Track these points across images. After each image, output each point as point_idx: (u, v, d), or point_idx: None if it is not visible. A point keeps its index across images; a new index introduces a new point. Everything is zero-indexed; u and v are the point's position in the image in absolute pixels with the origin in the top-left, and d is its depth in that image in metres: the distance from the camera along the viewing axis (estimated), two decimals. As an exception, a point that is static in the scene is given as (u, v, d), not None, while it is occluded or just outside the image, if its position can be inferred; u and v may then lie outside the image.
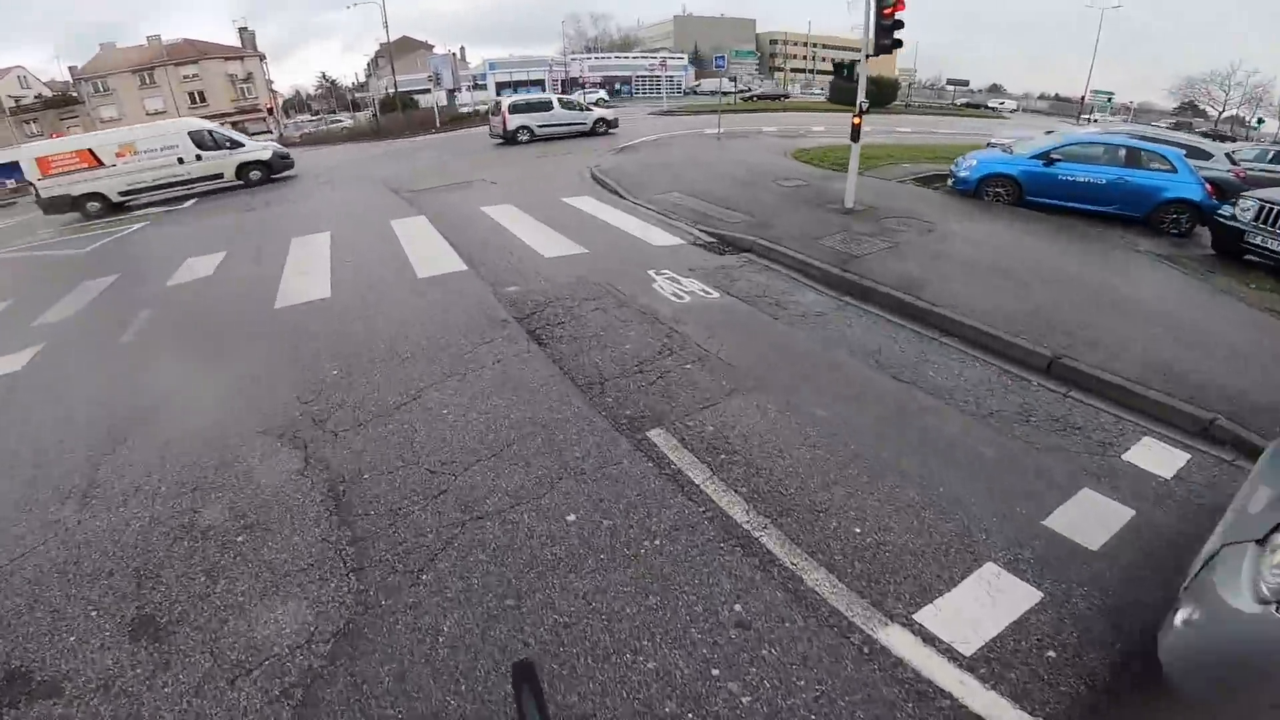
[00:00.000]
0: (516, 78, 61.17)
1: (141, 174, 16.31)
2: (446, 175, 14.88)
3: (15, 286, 9.45)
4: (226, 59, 56.08)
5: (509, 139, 20.78)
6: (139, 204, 16.56)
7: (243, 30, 59.22)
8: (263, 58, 60.78)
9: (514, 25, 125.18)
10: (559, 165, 15.81)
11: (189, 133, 16.86)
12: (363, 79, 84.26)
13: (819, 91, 57.55)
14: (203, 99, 54.70)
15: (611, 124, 22.31)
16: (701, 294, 6.43)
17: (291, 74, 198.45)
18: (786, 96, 52.20)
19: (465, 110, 45.81)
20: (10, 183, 44.96)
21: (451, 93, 48.70)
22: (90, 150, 16.04)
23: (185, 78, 54.25)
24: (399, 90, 41.92)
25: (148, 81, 53.43)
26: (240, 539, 3.31)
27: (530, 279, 6.93)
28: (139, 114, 52.69)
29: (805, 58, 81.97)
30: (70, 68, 53.38)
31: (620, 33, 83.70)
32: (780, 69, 78.08)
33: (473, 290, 6.69)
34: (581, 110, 21.70)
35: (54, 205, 16.05)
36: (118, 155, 16.11)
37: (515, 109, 20.72)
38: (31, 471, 4.09)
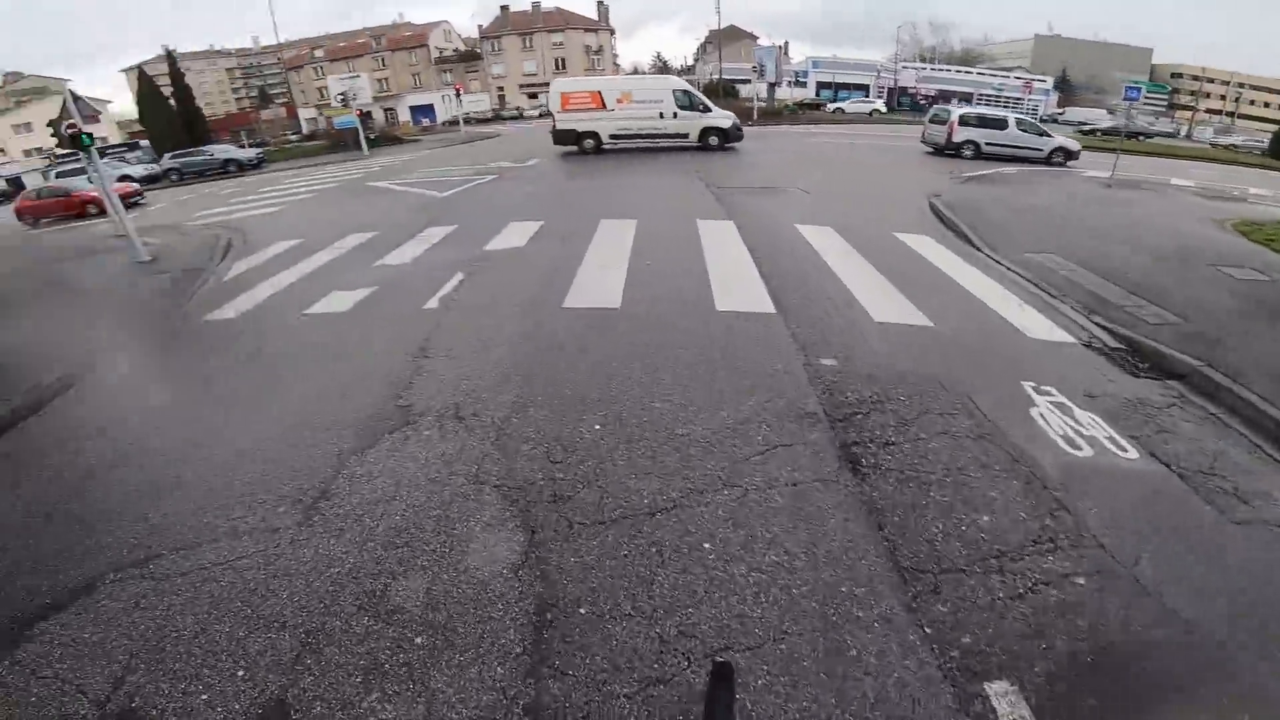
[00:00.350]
0: (840, 79, 58.24)
1: (630, 122, 18.04)
2: (759, 175, 13.91)
3: (388, 219, 11.13)
4: (585, 30, 63.36)
5: (949, 149, 18.45)
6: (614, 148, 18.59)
7: (600, 3, 65.82)
8: (612, 32, 67.46)
9: (842, 25, 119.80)
10: (889, 184, 13.63)
11: (674, 91, 18.21)
12: (690, 62, 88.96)
13: (1245, 141, 43.24)
14: (563, 66, 62.84)
15: (1072, 154, 18.42)
16: (1109, 447, 4.08)
17: (634, 51, 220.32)
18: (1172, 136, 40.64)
19: (784, 105, 44.85)
20: (425, 121, 57.94)
21: (773, 86, 48.07)
22: (599, 93, 18.18)
23: (554, 45, 62.73)
24: (722, 78, 42.79)
25: (527, 46, 62.96)
26: (418, 641, 2.63)
27: (853, 350, 5.31)
28: (517, 75, 62.98)
29: (1223, 97, 64.10)
30: (479, 26, 65.24)
31: (963, 45, 74.47)
32: (1188, 107, 61.32)
33: (778, 348, 5.34)
34: (1040, 135, 18.28)
35: (562, 138, 18.56)
36: (618, 101, 18.01)
37: (965, 121, 18.42)
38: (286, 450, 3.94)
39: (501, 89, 63.20)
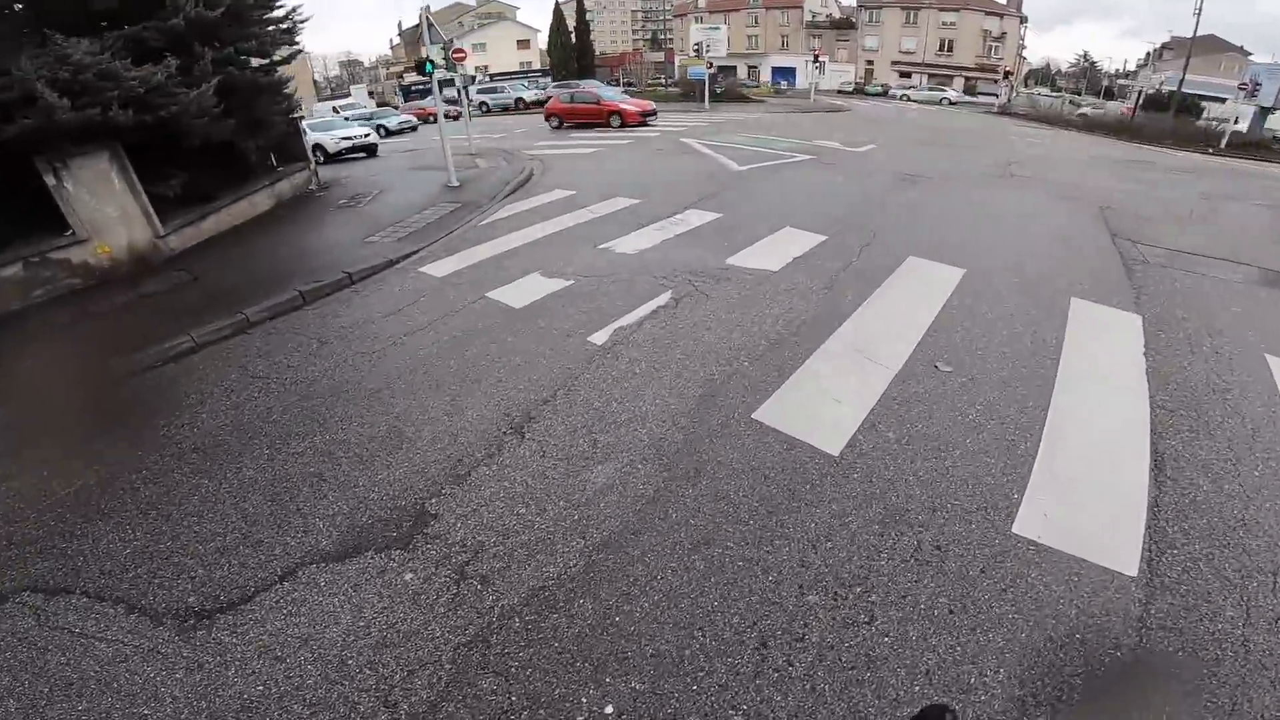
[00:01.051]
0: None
1: None
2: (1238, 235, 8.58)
3: (663, 185, 9.85)
4: (987, 13, 53.34)
5: None
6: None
7: None
8: (1023, 20, 55.71)
9: None
10: None
11: None
12: (1132, 67, 69.29)
13: None
14: (950, 48, 54.45)
15: None
16: None
17: (1048, 46, 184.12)
18: None
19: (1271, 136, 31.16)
20: (783, 84, 56.43)
21: (1264, 112, 33.67)
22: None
23: (943, 24, 54.46)
24: (1181, 91, 31.19)
25: (910, 21, 55.88)
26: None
27: None
28: (893, 50, 56.73)
29: None
30: None
31: None
32: None
33: None
34: None
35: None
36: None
37: None
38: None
39: (871, 63, 57.59)
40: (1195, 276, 6.46)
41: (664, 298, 5.77)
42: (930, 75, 54.01)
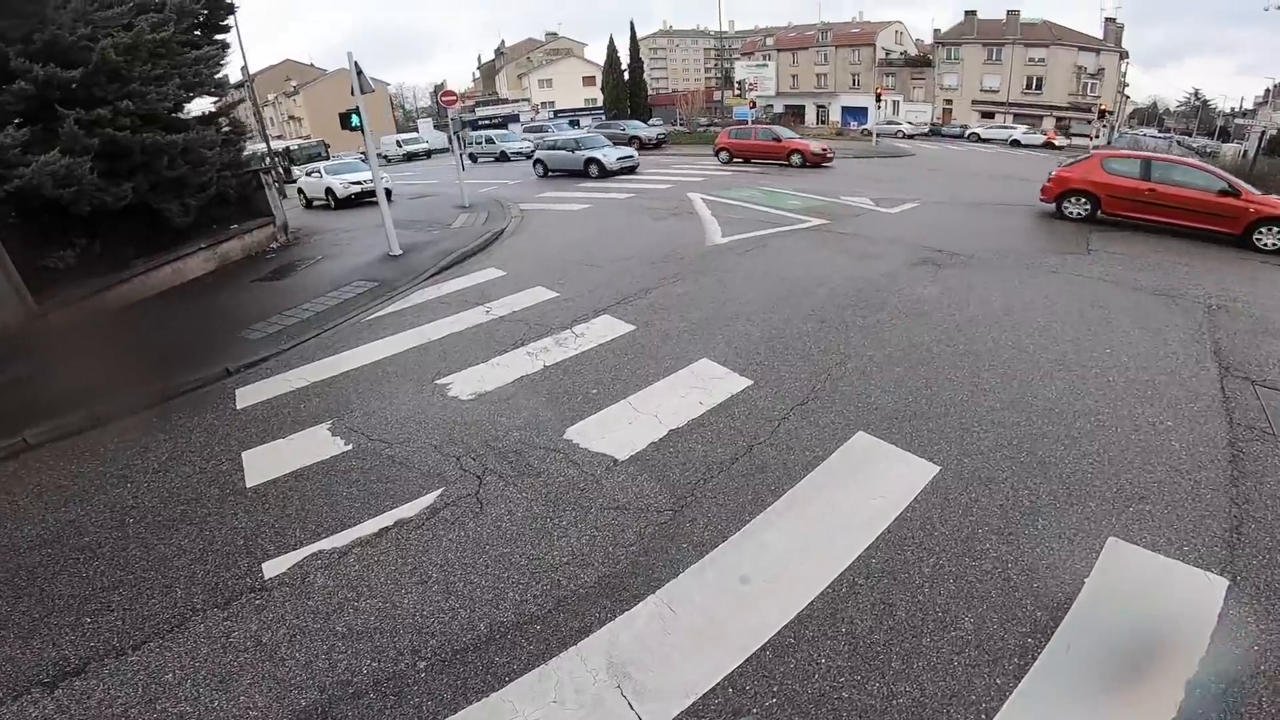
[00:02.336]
0: None
1: None
2: None
3: (608, 271, 7.70)
4: (1080, 49, 48.66)
5: None
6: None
7: (1110, 21, 49.56)
8: (1123, 55, 50.50)
9: None
10: None
11: None
12: (1250, 105, 61.77)
13: None
14: (1038, 86, 50.17)
15: None
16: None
17: (1156, 84, 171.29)
18: None
19: None
20: (854, 125, 53.64)
21: None
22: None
23: (1030, 61, 50.27)
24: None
25: (992, 58, 52.09)
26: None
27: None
28: (973, 88, 52.91)
29: None
30: (935, 30, 56.34)
31: None
32: None
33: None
34: None
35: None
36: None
37: None
38: None
39: (950, 102, 53.88)
40: None
41: (424, 501, 3.89)
42: (1016, 115, 49.86)
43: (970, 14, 54.40)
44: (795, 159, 20.51)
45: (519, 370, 5.57)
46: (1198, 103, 72.85)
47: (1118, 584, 2.99)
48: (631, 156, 20.03)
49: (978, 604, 2.89)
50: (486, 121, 49.73)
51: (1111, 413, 4.48)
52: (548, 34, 76.80)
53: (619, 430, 4.50)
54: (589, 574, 3.21)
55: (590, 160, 19.56)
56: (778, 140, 21.42)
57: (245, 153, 13.32)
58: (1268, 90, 58.57)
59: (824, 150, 21.19)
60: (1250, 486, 3.68)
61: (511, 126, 42.94)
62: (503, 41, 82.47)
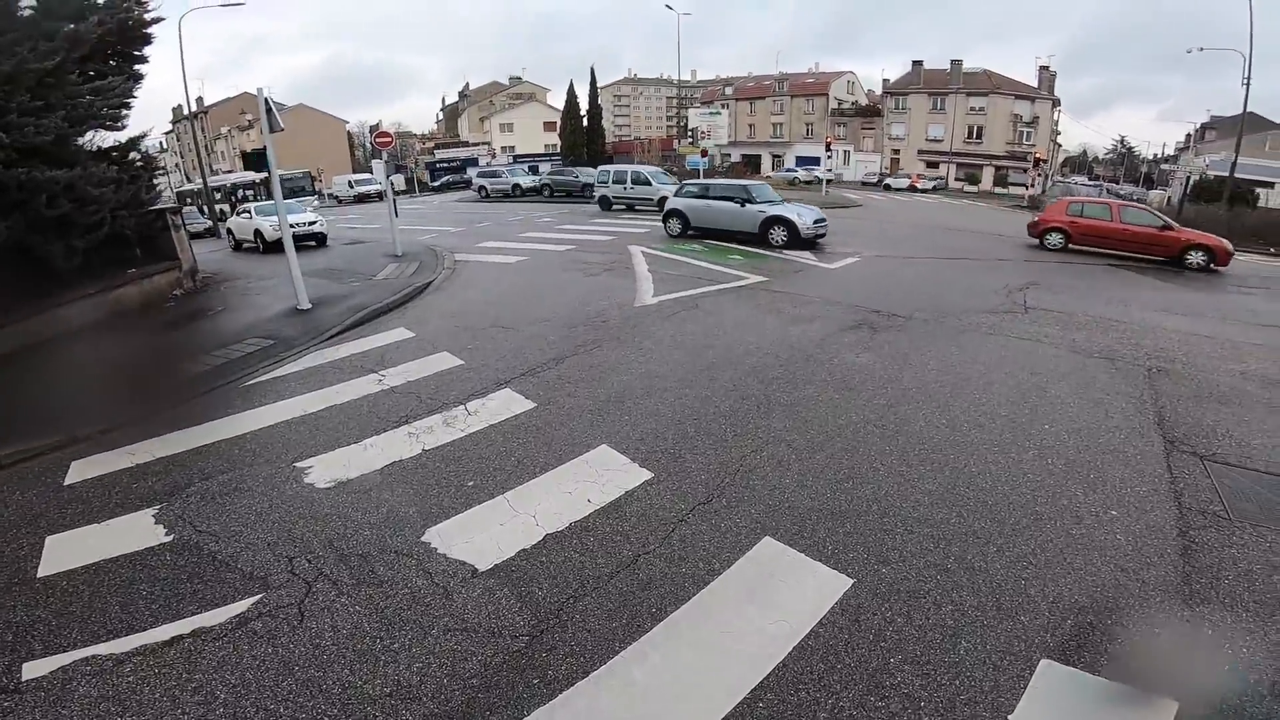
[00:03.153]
0: None
1: None
2: None
3: (513, 338, 7.02)
4: (1017, 97, 51.45)
5: None
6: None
7: (1044, 69, 52.63)
8: (1056, 103, 53.52)
9: None
10: None
11: None
12: (1171, 151, 66.21)
13: None
14: (979, 135, 52.66)
15: None
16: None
17: (1087, 133, 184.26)
18: None
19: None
20: (800, 174, 54.69)
21: (1336, 202, 30.02)
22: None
23: (971, 110, 52.87)
24: (1233, 175, 27.77)
25: (936, 107, 54.55)
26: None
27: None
28: (919, 138, 55.22)
29: None
30: (884, 80, 58.90)
31: None
32: None
33: None
34: None
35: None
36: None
37: None
38: None
39: (897, 152, 56.06)
40: None
41: (235, 608, 3.18)
42: (959, 164, 52.11)
43: (917, 64, 57.12)
44: (1195, 256, 13.20)
45: (393, 454, 4.83)
46: (1124, 150, 77.81)
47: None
48: (825, 221, 14.34)
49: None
50: (445, 164, 49.58)
51: (1050, 503, 4.00)
52: (511, 78, 77.79)
53: (488, 533, 3.81)
54: (413, 711, 2.55)
55: (773, 222, 13.70)
56: (1165, 229, 13.82)
57: (160, 190, 12.49)
58: (1189, 135, 62.44)
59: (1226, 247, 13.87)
60: (1205, 584, 3.25)
61: (469, 170, 42.73)
62: (466, 84, 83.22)
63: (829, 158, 31.49)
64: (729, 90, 68.72)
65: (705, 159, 26.82)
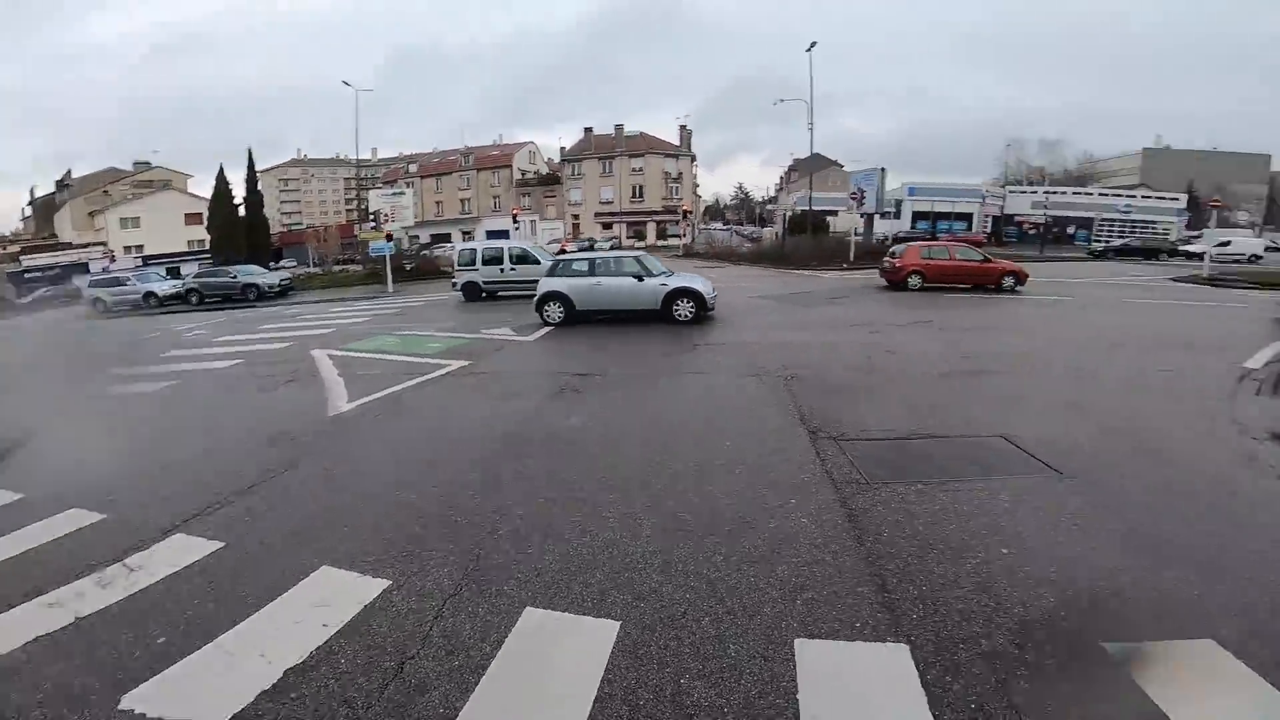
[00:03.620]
0: (939, 208, 52.81)
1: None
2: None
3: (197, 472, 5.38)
4: (665, 155, 61.62)
5: None
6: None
7: (683, 128, 64.09)
8: (693, 158, 65.53)
9: (931, 154, 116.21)
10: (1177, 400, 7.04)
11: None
12: (773, 193, 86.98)
13: None
14: (640, 194, 61.19)
15: None
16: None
17: (716, 183, 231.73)
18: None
19: (884, 241, 39.31)
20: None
21: (870, 218, 42.67)
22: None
23: (633, 170, 61.30)
24: (811, 209, 37.89)
25: (606, 170, 61.79)
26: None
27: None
28: (594, 201, 61.85)
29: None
30: (562, 148, 64.99)
31: (1078, 164, 67.24)
32: None
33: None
34: None
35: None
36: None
37: None
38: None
39: (577, 216, 61.74)
40: (921, 493, 4.71)
41: None
42: (629, 223, 59.66)
43: (588, 130, 63.92)
44: (1008, 282, 17.97)
45: (34, 628, 3.39)
46: (742, 195, 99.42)
47: (826, 685, 2.87)
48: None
49: None
50: (39, 273, 37.99)
51: (750, 505, 4.65)
52: (137, 163, 64.15)
53: (209, 682, 2.98)
54: None
55: (678, 295, 12.89)
56: (986, 261, 19.01)
57: None
58: (781, 177, 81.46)
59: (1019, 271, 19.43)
60: (873, 540, 4.08)
61: (76, 279, 33.48)
62: (68, 172, 65.91)
63: (516, 228, 33.11)
64: (413, 168, 67.55)
65: (391, 243, 25.57)
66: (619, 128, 62.62)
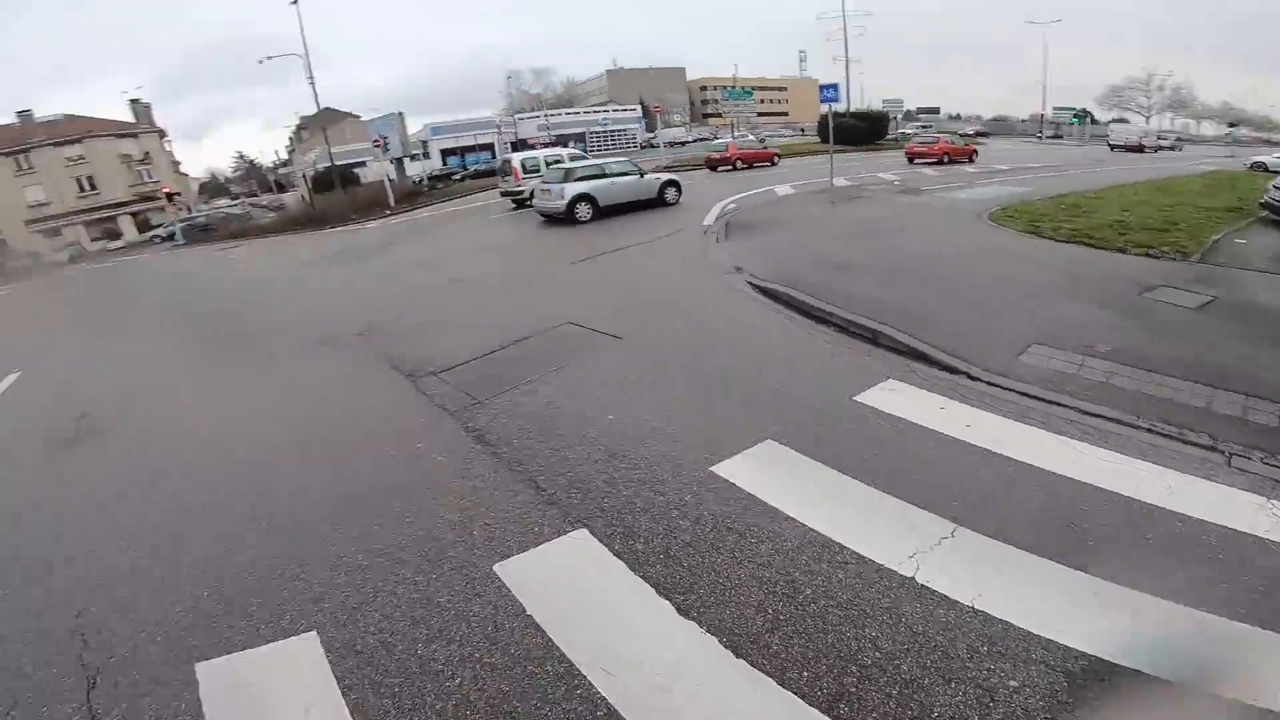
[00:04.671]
0: (463, 143, 55.75)
1: None
2: (512, 307, 8.26)
3: None
4: (119, 136, 47.60)
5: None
6: None
7: (135, 102, 50.55)
8: (162, 134, 52.43)
9: (446, 94, 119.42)
10: (670, 266, 9.82)
11: None
12: (285, 156, 76.31)
13: (771, 135, 52.62)
14: (94, 186, 46.02)
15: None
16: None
17: (208, 156, 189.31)
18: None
19: (419, 182, 39.37)
20: None
21: (400, 162, 42.00)
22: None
23: (69, 161, 45.46)
24: (335, 164, 34.95)
25: (24, 166, 44.32)
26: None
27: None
28: (20, 208, 43.62)
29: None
30: None
31: (564, 87, 79.31)
32: (715, 115, 73.53)
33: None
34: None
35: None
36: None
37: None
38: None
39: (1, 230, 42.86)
40: (528, 390, 5.24)
41: None
42: (88, 223, 44.78)
43: None
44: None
45: None
46: (247, 164, 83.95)
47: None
48: None
49: None
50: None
51: (386, 473, 4.26)
52: None
53: None
54: None
55: (668, 185, 16.63)
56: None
57: None
58: (290, 138, 70.55)
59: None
60: (506, 450, 4.28)
61: None
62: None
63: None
64: None
65: None
66: (24, 113, 44.91)
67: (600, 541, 3.18)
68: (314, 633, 2.80)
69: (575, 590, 2.92)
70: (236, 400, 6.44)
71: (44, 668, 2.80)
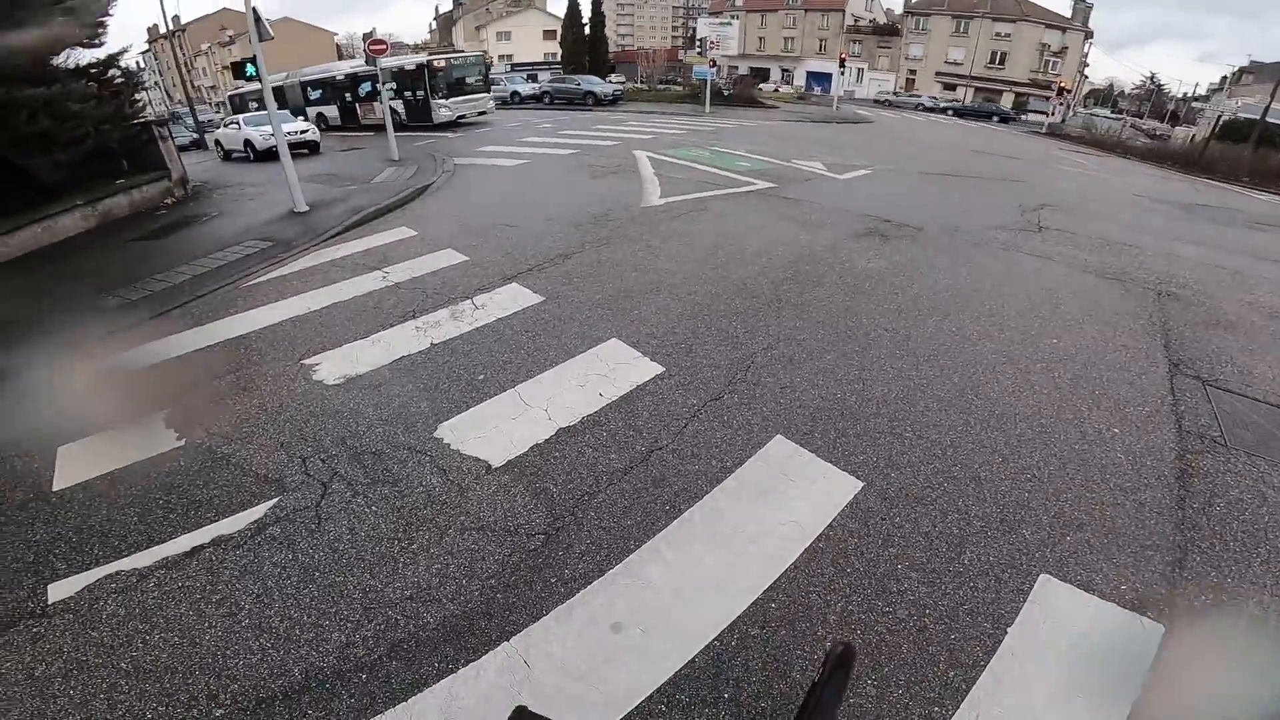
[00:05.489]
0: None
1: None
2: None
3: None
4: (1048, 26, 48.62)
5: None
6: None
7: (1079, 2, 49.76)
8: (1089, 35, 50.81)
9: None
10: None
11: None
12: (1204, 92, 63.09)
13: None
14: (1002, 61, 50.11)
15: None
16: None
17: (1118, 67, 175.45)
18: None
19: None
20: (817, 90, 53.02)
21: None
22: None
23: (996, 35, 50.02)
24: (1266, 120, 26.59)
25: (959, 30, 51.67)
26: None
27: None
28: (938, 60, 52.52)
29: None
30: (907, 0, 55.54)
31: None
32: None
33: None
34: None
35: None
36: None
37: None
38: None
39: (914, 73, 53.50)
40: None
41: (252, 514, 3.19)
42: (978, 89, 49.87)
43: None
44: None
45: (401, 349, 4.80)
46: (1153, 86, 74.28)
47: (1045, 633, 2.49)
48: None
49: (885, 662, 2.37)
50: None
51: (1056, 416, 3.95)
52: (507, -13, 72.44)
53: (500, 427, 3.79)
54: (433, 613, 2.58)
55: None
56: None
57: (140, 104, 11.95)
58: (1224, 77, 59.31)
59: None
60: (1197, 509, 3.20)
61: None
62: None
63: (842, 74, 29.96)
64: (739, 2, 64.48)
65: (713, 69, 25.48)
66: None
67: None
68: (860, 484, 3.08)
69: None
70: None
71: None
